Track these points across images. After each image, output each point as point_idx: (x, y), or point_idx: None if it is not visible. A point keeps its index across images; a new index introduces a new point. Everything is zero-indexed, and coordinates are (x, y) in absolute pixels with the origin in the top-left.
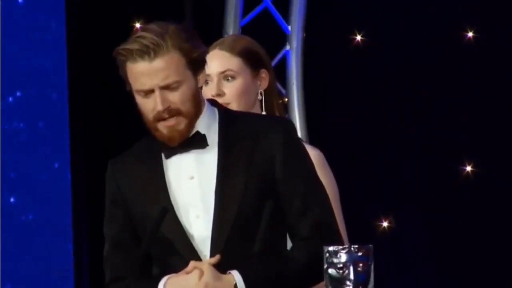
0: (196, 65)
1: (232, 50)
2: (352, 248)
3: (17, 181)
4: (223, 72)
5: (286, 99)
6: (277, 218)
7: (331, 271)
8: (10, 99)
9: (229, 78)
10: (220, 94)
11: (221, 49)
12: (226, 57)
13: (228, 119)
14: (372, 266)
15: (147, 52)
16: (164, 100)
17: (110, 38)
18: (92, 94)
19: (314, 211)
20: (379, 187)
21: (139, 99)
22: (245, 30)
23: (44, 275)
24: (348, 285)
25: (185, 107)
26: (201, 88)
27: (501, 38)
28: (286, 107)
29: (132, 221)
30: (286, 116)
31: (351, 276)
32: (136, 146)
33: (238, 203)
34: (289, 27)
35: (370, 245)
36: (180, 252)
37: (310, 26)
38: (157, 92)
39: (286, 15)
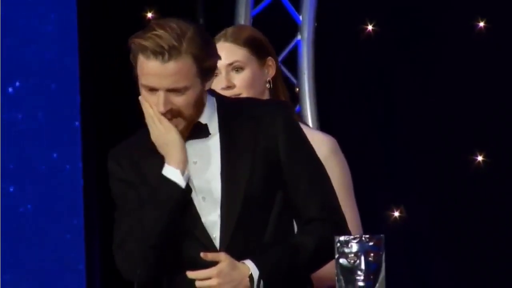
0: (206, 73)
1: (237, 41)
2: (364, 238)
3: (18, 172)
4: (231, 64)
5: (298, 89)
6: (286, 203)
7: (342, 261)
8: (11, 89)
9: (237, 69)
10: (230, 86)
11: (226, 41)
12: (232, 49)
13: (227, 106)
14: (384, 256)
15: (162, 53)
16: (166, 102)
17: (121, 28)
18: (102, 85)
19: (319, 192)
20: (390, 177)
21: (144, 92)
22: (256, 20)
23: (53, 267)
24: (359, 275)
25: (187, 111)
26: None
27: None
28: (298, 97)
29: None
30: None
31: (363, 266)
32: (135, 137)
33: (244, 187)
34: (300, 17)
35: (382, 235)
36: (194, 234)
37: (321, 16)
38: (161, 94)
39: (297, 5)
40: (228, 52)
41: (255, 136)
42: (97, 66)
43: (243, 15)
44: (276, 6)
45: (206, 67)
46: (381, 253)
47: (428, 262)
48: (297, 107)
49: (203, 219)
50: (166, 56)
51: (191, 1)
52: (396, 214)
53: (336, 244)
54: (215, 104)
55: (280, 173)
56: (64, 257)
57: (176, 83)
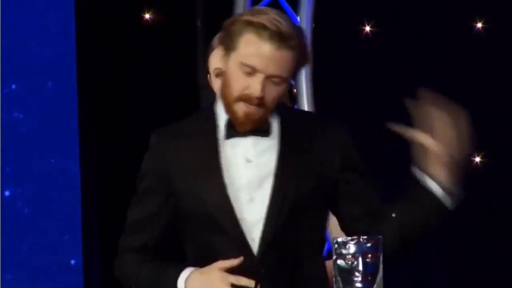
0: (297, 71)
1: None
2: (361, 239)
3: (17, 174)
4: None
5: (295, 90)
6: (326, 210)
7: (340, 262)
8: (7, 90)
9: None
10: None
11: None
12: None
13: (288, 113)
14: (381, 257)
15: (279, 39)
16: (264, 89)
17: (119, 28)
18: (100, 85)
19: (375, 201)
20: (388, 177)
21: (237, 72)
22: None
23: (51, 268)
24: (357, 276)
25: (273, 103)
26: None
27: (510, 28)
28: (295, 98)
29: (173, 197)
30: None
31: (360, 267)
32: (184, 123)
33: (295, 191)
34: (298, 18)
35: (380, 236)
36: (229, 234)
37: (319, 17)
38: (262, 79)
39: (295, 5)
40: None
41: (313, 148)
42: (95, 66)
43: None
44: (274, 7)
45: (301, 66)
46: (378, 254)
47: (426, 262)
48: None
49: (247, 219)
50: (282, 42)
51: (189, 2)
52: (395, 215)
53: (334, 246)
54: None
55: (331, 189)
56: (62, 258)
57: (280, 71)
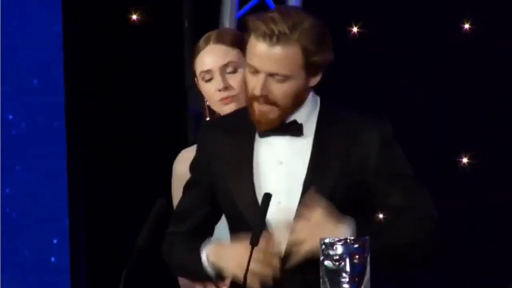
0: (314, 68)
1: (227, 42)
2: (349, 240)
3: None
4: (226, 65)
5: None
6: (362, 214)
7: (327, 263)
8: (4, 91)
9: (233, 70)
10: (228, 87)
11: (217, 43)
12: (224, 50)
13: (328, 112)
14: (369, 258)
15: (270, 36)
16: (264, 87)
17: (106, 29)
18: (89, 87)
19: (412, 205)
20: None
21: (246, 71)
22: (242, 22)
23: (39, 268)
24: (344, 277)
25: (283, 102)
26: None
27: (498, 29)
28: None
29: (213, 190)
30: None
31: (347, 268)
32: (232, 116)
33: (326, 196)
34: None
35: (367, 237)
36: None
37: None
38: (262, 76)
39: None
40: (220, 53)
41: (347, 148)
42: (82, 66)
43: (228, 17)
44: (261, 8)
45: (315, 61)
46: (366, 255)
47: None
48: None
49: (272, 223)
50: (274, 40)
51: (176, 3)
52: (381, 216)
53: (321, 246)
54: (318, 104)
55: (366, 188)
56: (49, 259)
57: (278, 69)
